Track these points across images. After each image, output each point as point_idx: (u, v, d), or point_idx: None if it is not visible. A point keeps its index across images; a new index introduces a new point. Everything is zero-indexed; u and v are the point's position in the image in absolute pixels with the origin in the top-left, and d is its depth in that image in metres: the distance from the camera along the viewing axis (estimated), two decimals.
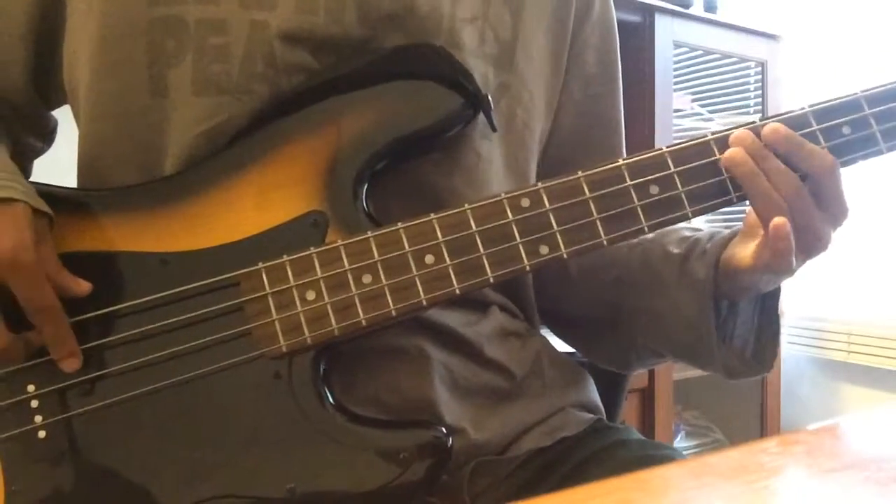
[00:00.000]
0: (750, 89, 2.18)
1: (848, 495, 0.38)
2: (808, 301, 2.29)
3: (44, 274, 0.57)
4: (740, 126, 0.61)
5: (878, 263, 2.09)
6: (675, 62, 1.98)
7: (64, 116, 0.74)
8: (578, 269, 0.78)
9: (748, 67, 2.16)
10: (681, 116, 2.07)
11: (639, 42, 1.85)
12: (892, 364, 2.10)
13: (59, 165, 0.74)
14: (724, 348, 0.68)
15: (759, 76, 2.15)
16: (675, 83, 2.00)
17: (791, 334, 2.34)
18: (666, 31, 1.88)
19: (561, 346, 0.82)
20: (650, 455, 0.68)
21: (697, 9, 1.98)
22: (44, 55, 0.70)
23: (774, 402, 2.18)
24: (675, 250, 0.70)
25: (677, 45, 1.95)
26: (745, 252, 0.63)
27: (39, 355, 0.59)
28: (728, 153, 0.60)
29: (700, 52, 2.10)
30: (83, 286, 0.59)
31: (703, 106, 2.20)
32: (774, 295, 0.68)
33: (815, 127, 0.61)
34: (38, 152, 0.79)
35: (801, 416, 2.30)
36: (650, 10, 1.85)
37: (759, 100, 2.15)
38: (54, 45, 0.69)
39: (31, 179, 0.63)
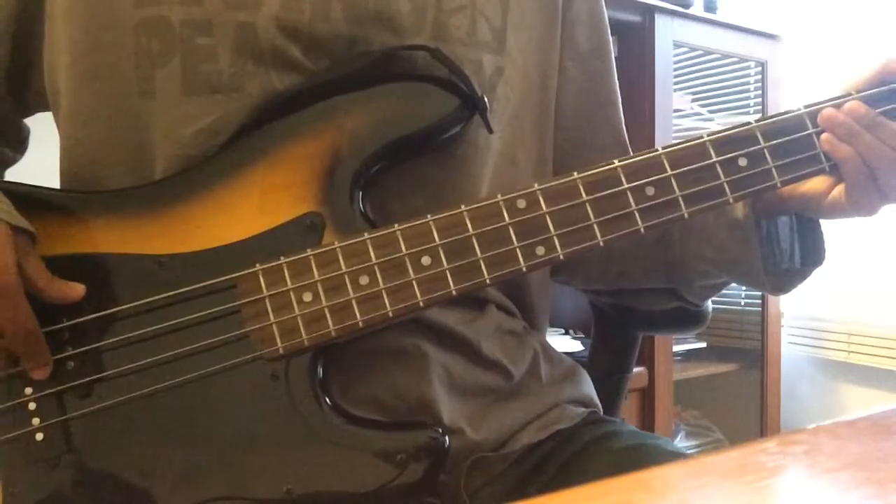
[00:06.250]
0: (750, 89, 2.18)
1: (848, 495, 0.38)
2: (808, 301, 2.29)
3: (23, 296, 0.56)
4: (733, 127, 0.61)
5: (878, 264, 2.09)
6: (675, 62, 1.98)
7: (44, 124, 0.73)
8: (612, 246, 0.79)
9: (748, 67, 2.16)
10: (681, 116, 2.07)
11: (639, 42, 1.84)
12: (892, 364, 2.10)
13: (38, 172, 0.72)
14: (772, 272, 0.70)
15: (759, 76, 2.15)
16: (675, 83, 1.99)
17: (791, 334, 2.34)
18: (666, 31, 1.87)
19: (560, 346, 0.82)
20: (642, 444, 0.68)
21: (697, 9, 1.98)
22: (21, 60, 0.70)
23: (774, 402, 2.18)
24: None
25: (677, 45, 1.95)
26: (819, 188, 0.64)
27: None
28: (826, 112, 0.61)
29: (700, 52, 2.10)
30: (77, 290, 0.59)
31: (703, 106, 2.20)
32: None
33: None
34: (10, 162, 0.78)
35: (801, 416, 2.30)
36: (650, 10, 1.85)
37: (759, 100, 2.15)
38: (32, 50, 0.69)
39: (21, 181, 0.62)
